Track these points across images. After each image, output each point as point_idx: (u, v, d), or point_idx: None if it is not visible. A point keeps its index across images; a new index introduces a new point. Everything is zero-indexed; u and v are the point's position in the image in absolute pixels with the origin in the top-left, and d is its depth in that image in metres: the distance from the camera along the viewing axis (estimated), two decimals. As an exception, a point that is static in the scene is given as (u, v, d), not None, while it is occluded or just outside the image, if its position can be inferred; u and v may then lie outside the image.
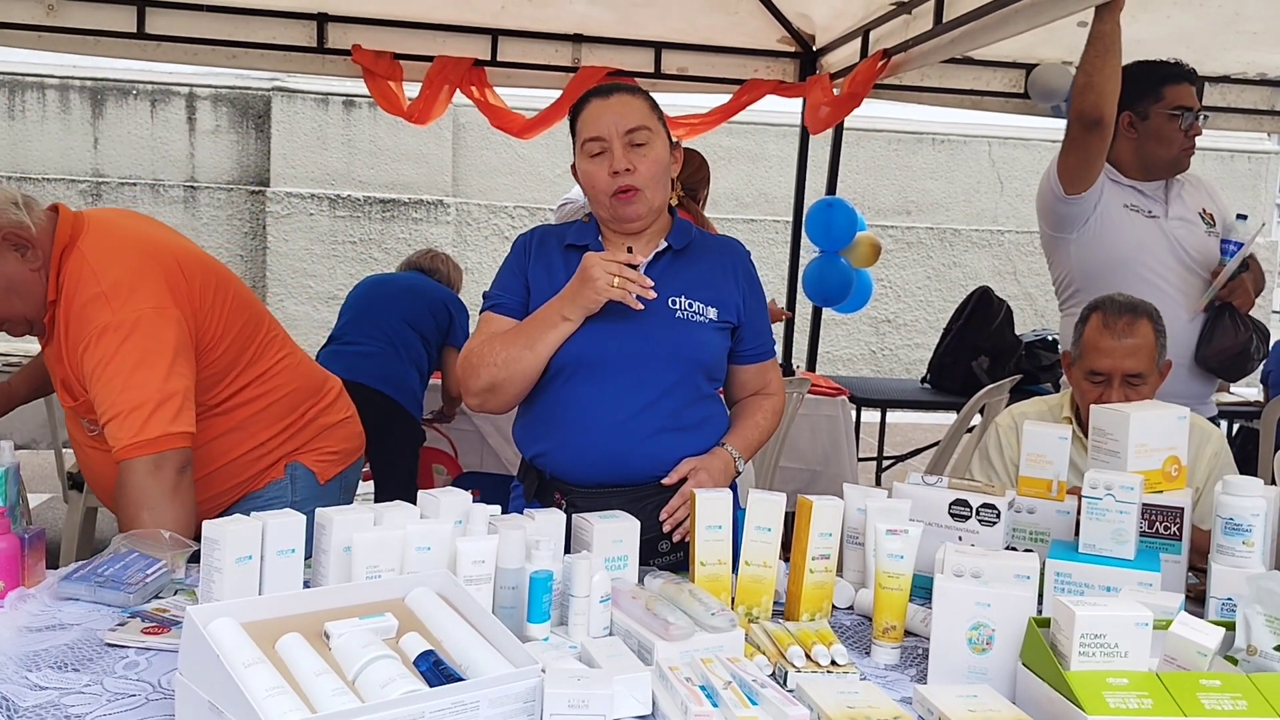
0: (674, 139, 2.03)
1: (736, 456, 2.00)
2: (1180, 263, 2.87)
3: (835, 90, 4.72)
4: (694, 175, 4.30)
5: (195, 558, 1.74)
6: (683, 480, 1.92)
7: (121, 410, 1.89)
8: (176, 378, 1.94)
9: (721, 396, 2.11)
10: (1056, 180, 2.88)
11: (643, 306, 1.85)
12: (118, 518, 1.95)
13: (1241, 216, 2.95)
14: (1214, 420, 3.02)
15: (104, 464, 2.02)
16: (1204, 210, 2.95)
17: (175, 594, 1.70)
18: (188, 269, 2.03)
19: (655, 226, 2.02)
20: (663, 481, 1.92)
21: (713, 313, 1.97)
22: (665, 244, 2.00)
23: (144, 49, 4.44)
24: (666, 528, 1.90)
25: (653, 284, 1.84)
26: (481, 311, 2.05)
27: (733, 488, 2.01)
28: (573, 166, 2.02)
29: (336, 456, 2.28)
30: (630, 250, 1.91)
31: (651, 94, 2.05)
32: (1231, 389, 5.27)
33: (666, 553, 1.94)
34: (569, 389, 1.93)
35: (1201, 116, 2.91)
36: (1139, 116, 2.88)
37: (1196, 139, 2.91)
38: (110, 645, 1.49)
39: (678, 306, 1.95)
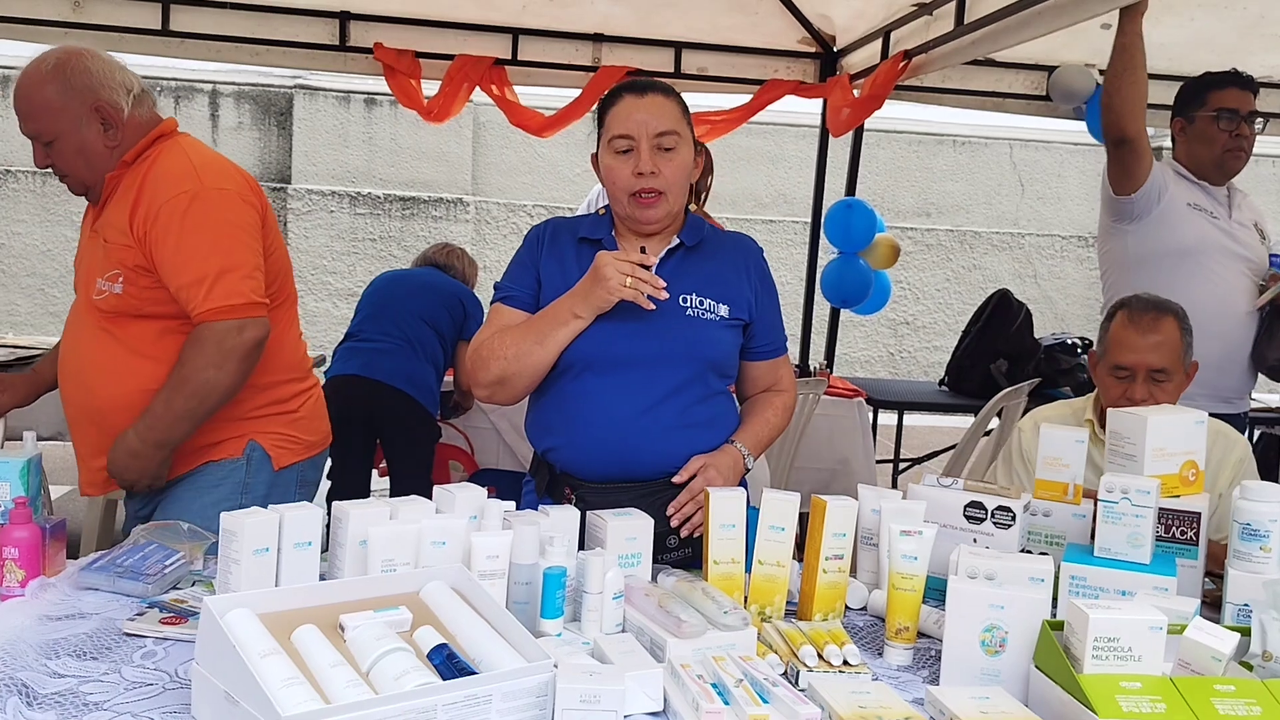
0: (698, 143, 2.04)
1: (746, 454, 2.00)
2: (1238, 260, 2.96)
3: (856, 92, 4.71)
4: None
5: (213, 550, 1.77)
6: (692, 477, 1.93)
7: (209, 273, 2.03)
8: (260, 256, 2.12)
9: (733, 392, 2.12)
10: (1107, 182, 3.00)
11: (655, 307, 1.85)
12: (175, 377, 2.05)
13: None
14: (1245, 417, 3.07)
15: (97, 345, 2.11)
16: (1257, 223, 3.07)
17: (193, 585, 1.71)
18: (262, 200, 2.21)
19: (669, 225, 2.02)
20: (673, 479, 1.93)
21: (724, 310, 1.98)
22: (677, 241, 2.01)
23: (168, 46, 4.48)
24: (674, 523, 1.91)
25: (665, 284, 1.85)
26: (492, 303, 2.05)
27: (743, 484, 2.01)
28: (593, 156, 2.03)
29: (297, 446, 2.27)
30: (644, 250, 1.91)
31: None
32: (1253, 394, 5.23)
33: (674, 548, 1.94)
34: (579, 384, 1.94)
35: (1257, 121, 3.01)
36: (1188, 121, 3.04)
37: (1250, 142, 3.00)
38: (128, 635, 1.50)
39: (689, 304, 1.96)
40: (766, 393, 2.11)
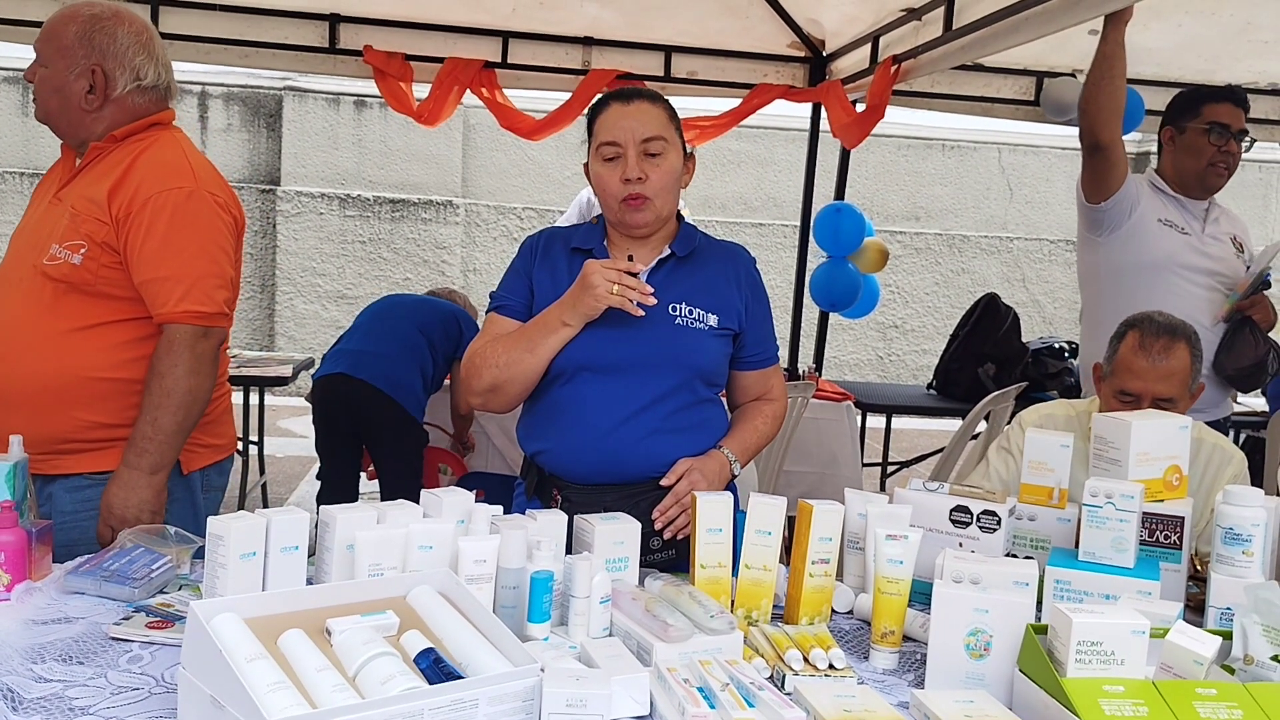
0: (689, 149, 2.05)
1: (733, 459, 2.01)
2: (1208, 275, 2.96)
3: (850, 97, 4.72)
4: None
5: (200, 553, 1.77)
6: (678, 480, 1.94)
7: (189, 275, 2.06)
8: (236, 270, 2.18)
9: (723, 400, 2.12)
10: (1079, 187, 3.01)
11: (643, 313, 1.86)
12: (153, 370, 2.04)
13: None
14: (1226, 421, 3.08)
15: (28, 317, 2.04)
16: (1235, 237, 3.07)
17: (180, 589, 1.71)
18: (242, 213, 2.26)
19: (661, 233, 2.04)
20: (661, 483, 1.94)
21: (713, 319, 1.99)
22: (669, 250, 2.02)
23: (157, 47, 4.46)
24: (658, 525, 1.92)
25: (653, 291, 1.86)
26: (487, 312, 2.07)
27: (732, 490, 2.02)
28: (585, 165, 2.04)
29: (204, 450, 2.24)
30: (631, 258, 1.93)
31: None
32: (1239, 399, 5.27)
33: (658, 550, 1.95)
34: (569, 390, 1.95)
35: (1245, 138, 3.02)
36: (1178, 131, 3.05)
37: (1235, 159, 3.01)
38: (115, 639, 1.50)
39: (678, 313, 1.97)
40: (757, 401, 2.13)
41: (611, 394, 1.93)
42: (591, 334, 1.91)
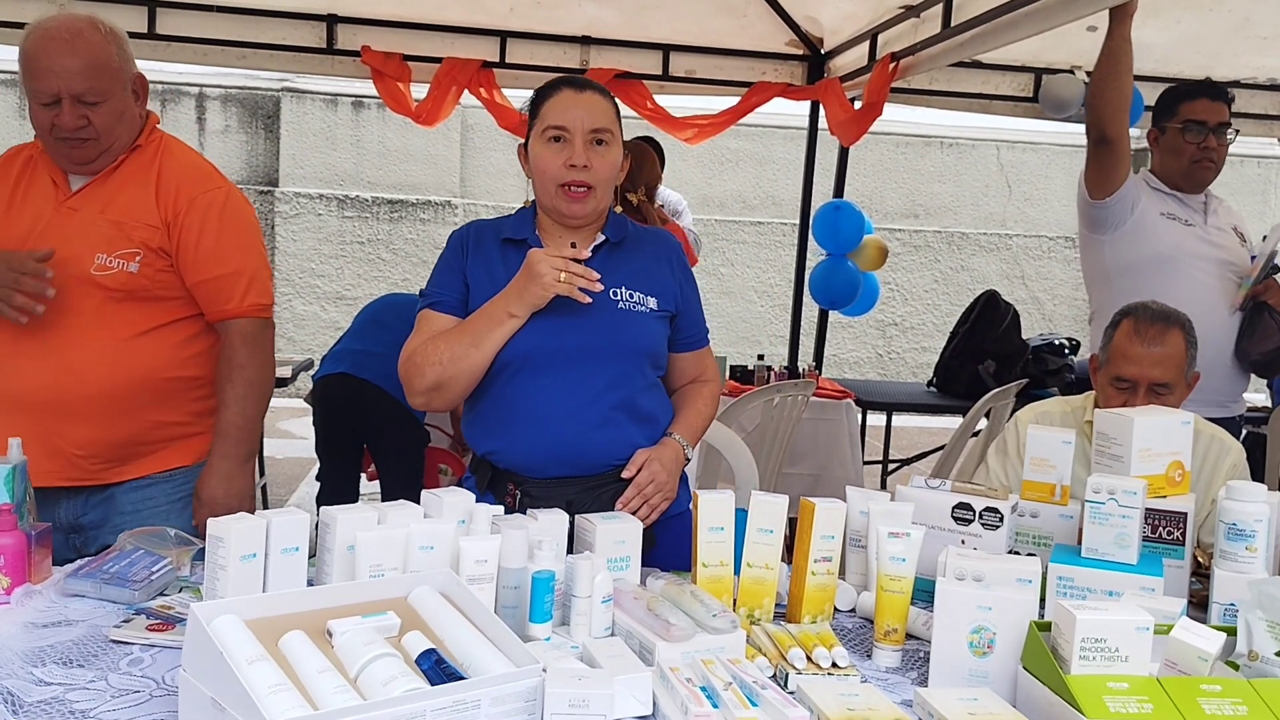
0: (625, 150, 2.05)
1: (685, 445, 2.01)
2: (1217, 264, 2.97)
3: (851, 96, 4.72)
4: (649, 171, 4.31)
5: (200, 555, 1.76)
6: (639, 471, 1.93)
7: (248, 270, 2.19)
8: None
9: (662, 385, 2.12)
10: (1083, 184, 3.01)
11: (590, 300, 1.85)
12: (231, 363, 2.17)
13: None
14: (1240, 420, 3.08)
15: (90, 329, 2.07)
16: (1236, 227, 3.08)
17: (180, 591, 1.71)
18: None
19: (594, 222, 2.03)
20: (622, 475, 1.93)
21: (653, 302, 1.99)
22: (603, 237, 2.02)
23: (154, 49, 4.45)
24: None
25: (599, 277, 1.85)
26: (419, 309, 2.03)
27: (683, 478, 2.04)
28: (520, 148, 2.03)
29: None
30: (574, 245, 1.92)
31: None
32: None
33: None
34: (517, 384, 1.93)
35: (1228, 131, 3.02)
36: (1161, 132, 3.07)
37: (1220, 153, 3.01)
38: (115, 642, 1.50)
39: (619, 297, 1.96)
40: (694, 383, 2.12)
41: (563, 384, 1.91)
42: (535, 323, 1.89)
